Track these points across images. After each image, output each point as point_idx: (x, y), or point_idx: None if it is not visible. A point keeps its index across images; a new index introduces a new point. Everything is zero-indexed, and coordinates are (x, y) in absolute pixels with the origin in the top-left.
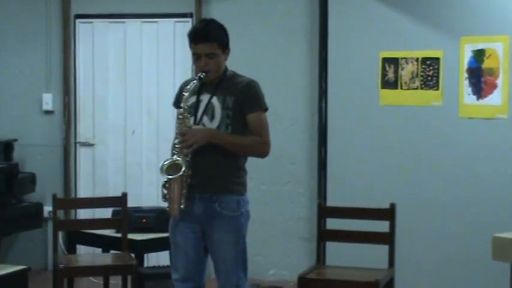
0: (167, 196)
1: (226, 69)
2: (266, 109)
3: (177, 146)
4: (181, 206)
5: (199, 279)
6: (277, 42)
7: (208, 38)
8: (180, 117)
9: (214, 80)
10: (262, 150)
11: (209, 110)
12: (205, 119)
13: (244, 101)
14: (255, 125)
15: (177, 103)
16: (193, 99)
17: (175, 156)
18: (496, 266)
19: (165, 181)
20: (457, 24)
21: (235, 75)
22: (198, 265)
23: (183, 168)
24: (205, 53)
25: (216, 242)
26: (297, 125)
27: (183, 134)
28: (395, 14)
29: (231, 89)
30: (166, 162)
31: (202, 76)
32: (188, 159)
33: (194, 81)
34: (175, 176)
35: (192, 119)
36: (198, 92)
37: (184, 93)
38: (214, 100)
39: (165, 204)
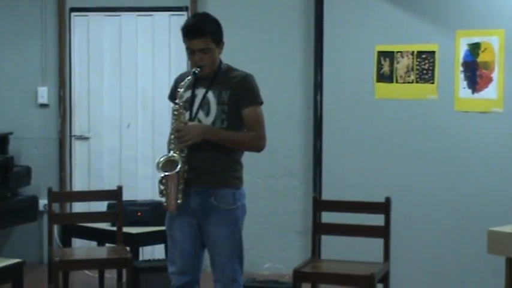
0: (164, 191)
1: (220, 62)
2: (261, 103)
3: (172, 141)
4: (178, 201)
5: (196, 272)
6: (272, 35)
7: (202, 33)
8: (175, 113)
9: (209, 74)
10: (258, 145)
11: (204, 105)
12: (201, 114)
13: (239, 95)
14: (251, 119)
15: (172, 97)
16: (188, 93)
17: (171, 152)
18: (491, 259)
19: (162, 177)
20: (452, 18)
21: (230, 69)
22: (194, 259)
23: (179, 165)
24: (200, 48)
25: (212, 235)
26: (293, 118)
27: (178, 130)
28: (391, 8)
29: (226, 83)
30: (162, 159)
31: (196, 71)
32: (184, 155)
33: (189, 78)
34: (172, 172)
35: (187, 114)
36: (192, 86)
37: (179, 90)
38: (210, 95)
39: (160, 198)
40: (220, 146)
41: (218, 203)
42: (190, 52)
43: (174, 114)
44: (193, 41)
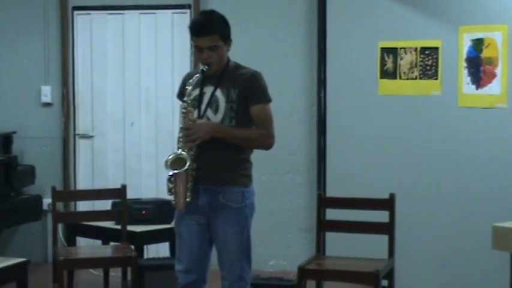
0: (172, 190)
1: (228, 60)
2: (270, 101)
3: (181, 139)
4: (187, 199)
5: (203, 271)
6: (275, 32)
7: (210, 30)
8: (184, 111)
9: (217, 72)
10: (266, 142)
11: (213, 103)
12: (209, 112)
13: (248, 93)
14: (259, 117)
15: (180, 95)
16: (196, 91)
17: (179, 150)
18: (496, 255)
19: (170, 175)
20: (455, 14)
21: (238, 67)
22: (201, 257)
23: (188, 163)
24: (207, 46)
25: (220, 233)
26: (296, 115)
27: (186, 128)
28: (394, 4)
29: (234, 81)
30: (170, 157)
31: (205, 69)
32: (192, 153)
33: (197, 75)
34: (180, 170)
35: (195, 112)
36: (201, 84)
37: (187, 87)
38: (218, 93)
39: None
40: (229, 144)
41: (227, 201)
42: (198, 50)
43: (182, 113)
44: (201, 39)
